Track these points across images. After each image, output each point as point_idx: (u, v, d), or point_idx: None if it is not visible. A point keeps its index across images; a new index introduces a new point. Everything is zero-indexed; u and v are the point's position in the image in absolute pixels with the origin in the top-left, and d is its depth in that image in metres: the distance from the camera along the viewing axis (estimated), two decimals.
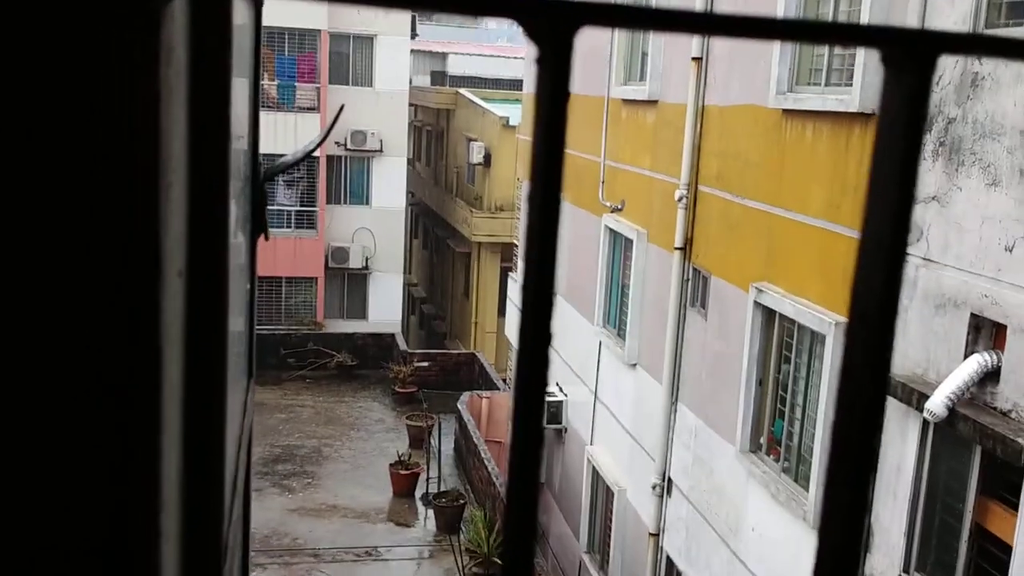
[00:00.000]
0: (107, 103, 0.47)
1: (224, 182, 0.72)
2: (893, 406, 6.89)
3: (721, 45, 9.89)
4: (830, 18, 8.11)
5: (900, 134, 0.41)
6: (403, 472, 17.48)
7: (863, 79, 7.34)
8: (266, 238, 1.53)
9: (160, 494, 0.52)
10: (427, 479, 17.32)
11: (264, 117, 27.76)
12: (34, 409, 0.49)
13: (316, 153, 25.26)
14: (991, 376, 6.04)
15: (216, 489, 0.74)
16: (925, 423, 6.53)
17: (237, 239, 1.18)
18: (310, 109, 25.36)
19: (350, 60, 26.30)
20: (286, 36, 25.24)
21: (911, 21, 6.79)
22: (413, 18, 27.34)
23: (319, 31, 25.32)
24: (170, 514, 0.56)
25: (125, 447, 0.49)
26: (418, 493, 17.53)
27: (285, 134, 24.95)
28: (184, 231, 0.61)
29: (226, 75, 0.71)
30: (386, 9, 0.38)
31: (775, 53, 8.60)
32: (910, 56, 0.41)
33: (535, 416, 0.41)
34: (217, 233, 0.69)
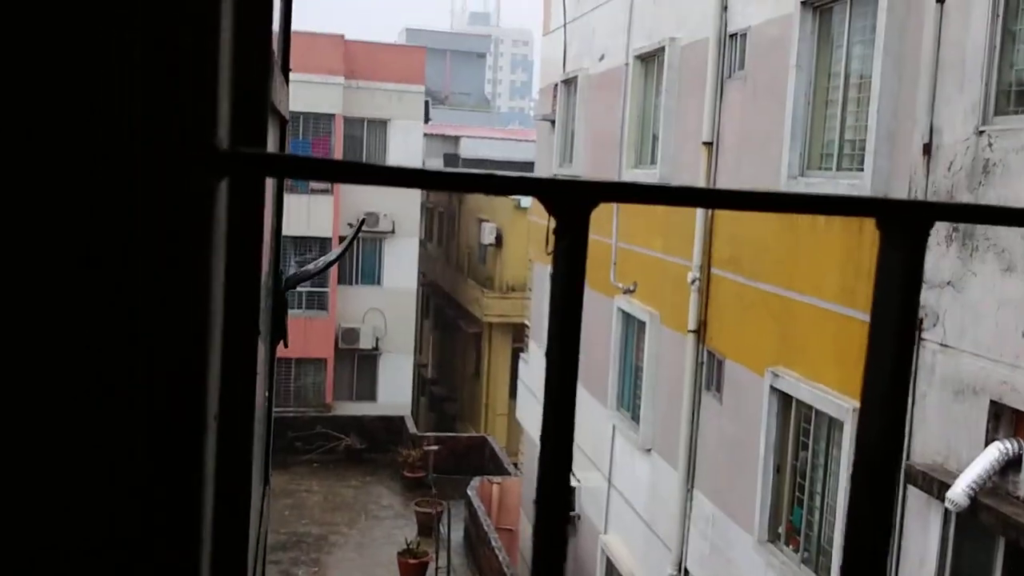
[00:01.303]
0: (163, 272, 0.51)
1: (255, 329, 0.76)
2: (914, 495, 6.73)
3: (732, 130, 10.00)
4: (838, 115, 8.19)
5: (897, 296, 0.43)
6: (411, 561, 17.13)
7: (874, 163, 7.37)
8: (285, 345, 1.51)
9: None
10: (436, 568, 16.97)
11: None
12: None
13: (330, 235, 25.48)
14: (1012, 464, 5.91)
15: None
16: (947, 513, 6.37)
17: (259, 350, 1.19)
18: (323, 191, 25.68)
19: (363, 143, 26.73)
20: (301, 119, 25.71)
21: (920, 114, 6.83)
22: (426, 102, 27.87)
23: (333, 115, 25.80)
24: None
25: None
26: None
27: (298, 216, 25.22)
28: (218, 378, 0.65)
29: (259, 237, 0.76)
30: (426, 190, 0.38)
31: (786, 138, 8.68)
32: (905, 224, 0.43)
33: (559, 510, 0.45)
34: (247, 379, 0.74)
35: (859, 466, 0.46)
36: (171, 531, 0.53)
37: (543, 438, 0.42)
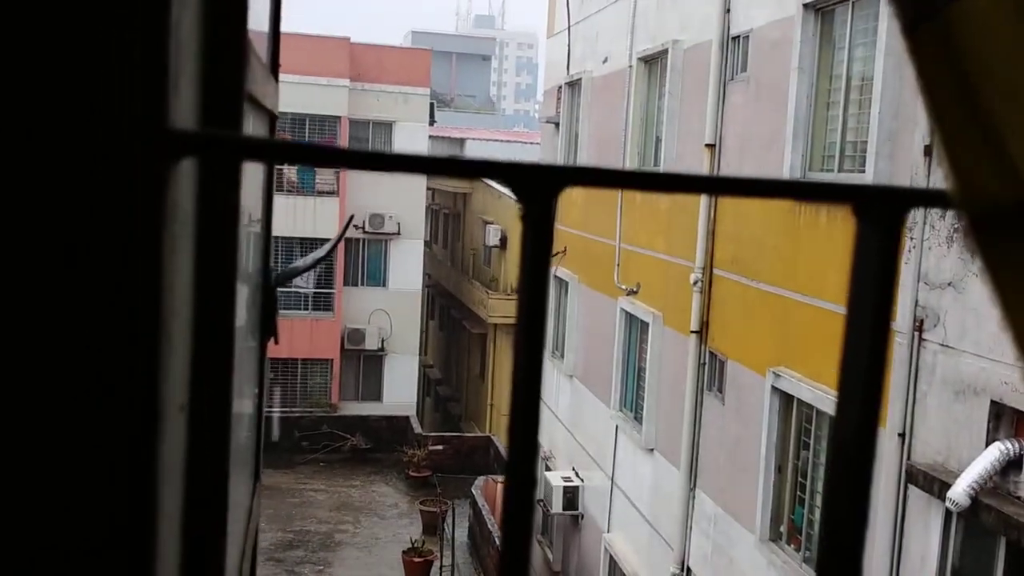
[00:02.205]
0: (109, 258, 0.49)
1: (230, 317, 0.75)
2: (915, 495, 6.76)
3: (734, 132, 10.03)
4: (840, 117, 8.22)
5: (873, 284, 0.43)
6: (416, 560, 17.17)
7: (876, 164, 7.40)
8: (275, 342, 1.54)
9: None
10: (441, 567, 17.00)
11: (284, 201, 27.97)
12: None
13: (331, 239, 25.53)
14: (1013, 464, 5.94)
15: None
16: (948, 513, 6.39)
17: (247, 344, 1.19)
18: (329, 193, 25.73)
19: (369, 145, 26.73)
20: (306, 121, 25.77)
21: (921, 115, 6.86)
22: (431, 105, 27.90)
23: (339, 117, 25.85)
24: None
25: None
26: None
27: (304, 218, 25.28)
28: (188, 367, 0.63)
29: (234, 226, 0.74)
30: (401, 174, 0.40)
31: (788, 139, 8.71)
32: (880, 211, 0.42)
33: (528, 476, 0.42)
34: (221, 372, 0.72)
35: (834, 462, 0.45)
36: (121, 524, 0.50)
37: (510, 424, 0.44)
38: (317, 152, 0.42)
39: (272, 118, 1.42)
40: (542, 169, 0.40)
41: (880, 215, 0.43)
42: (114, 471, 0.50)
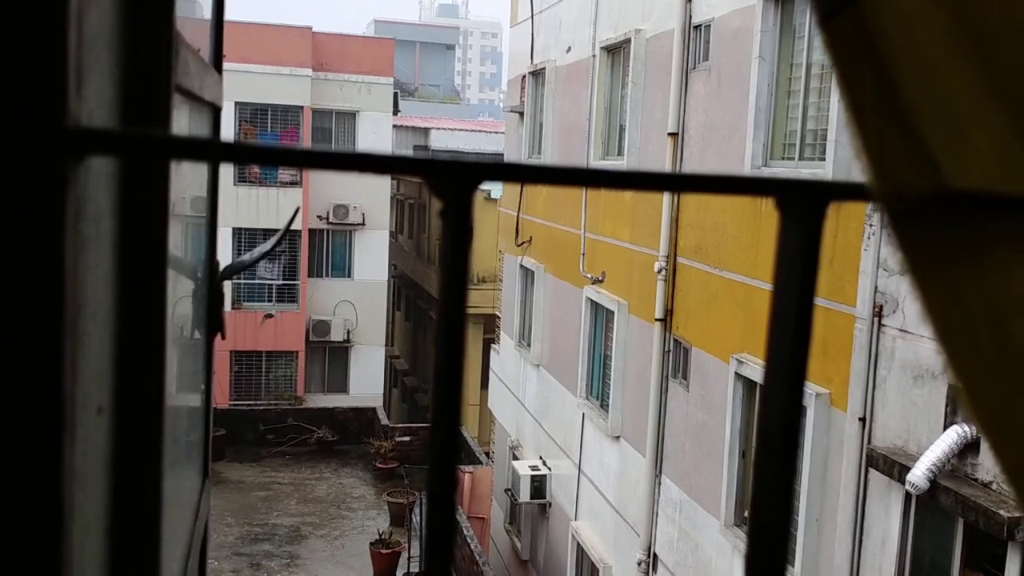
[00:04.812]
0: (6, 259, 0.48)
1: (161, 312, 0.73)
2: (875, 478, 6.86)
3: (696, 121, 10.09)
4: (801, 105, 8.29)
5: (797, 274, 0.44)
6: (384, 551, 17.16)
7: (835, 152, 7.48)
8: (223, 337, 1.53)
9: None
10: (408, 558, 17.00)
11: (247, 192, 27.71)
12: None
13: (298, 227, 25.37)
14: (971, 447, 6.04)
15: None
16: (908, 495, 6.50)
17: (193, 338, 1.17)
18: (292, 183, 25.53)
19: (333, 135, 26.59)
20: (269, 112, 25.53)
21: None
22: (395, 94, 27.76)
23: (302, 107, 25.65)
24: None
25: None
26: (399, 573, 17.18)
27: (267, 208, 25.07)
28: (109, 367, 0.61)
29: (161, 222, 0.73)
30: (314, 170, 0.40)
31: (749, 129, 8.77)
32: (802, 204, 0.44)
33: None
34: (151, 366, 0.70)
35: (760, 445, 0.46)
36: (26, 531, 0.49)
37: (432, 417, 0.44)
38: (226, 149, 0.41)
39: (215, 110, 1.40)
40: (457, 165, 0.40)
41: (802, 208, 0.44)
42: (16, 477, 0.49)
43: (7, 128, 0.46)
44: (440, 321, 0.40)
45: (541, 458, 14.71)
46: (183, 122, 0.93)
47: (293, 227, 25.11)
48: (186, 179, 1.01)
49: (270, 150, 0.39)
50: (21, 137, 0.47)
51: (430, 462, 0.42)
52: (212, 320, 1.47)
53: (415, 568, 16.76)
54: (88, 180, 0.54)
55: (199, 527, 1.29)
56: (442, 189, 0.40)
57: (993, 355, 0.40)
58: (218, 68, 1.46)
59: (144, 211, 0.67)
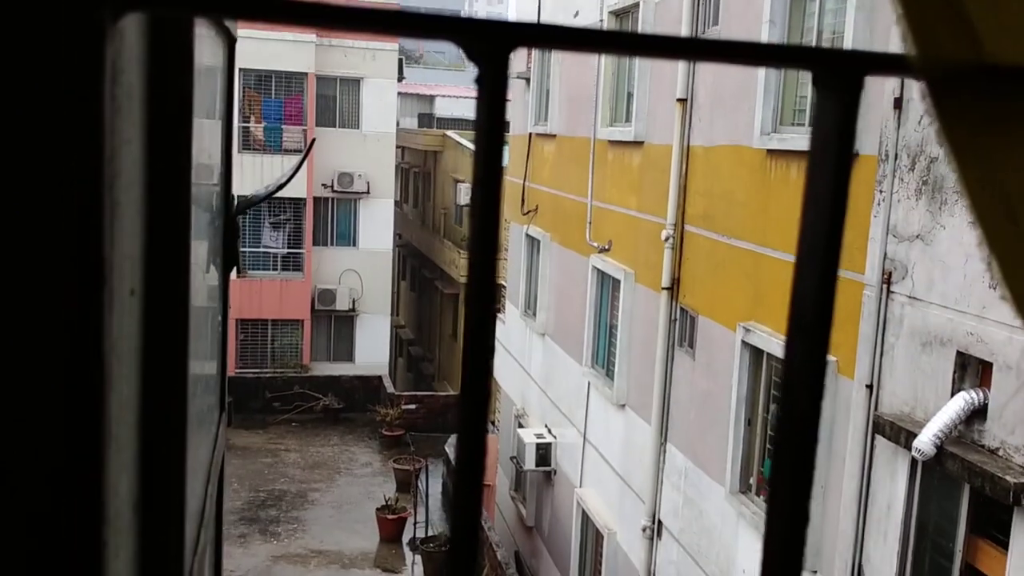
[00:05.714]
0: (46, 116, 0.47)
1: (185, 203, 0.72)
2: (882, 444, 6.87)
3: (705, 87, 10.00)
4: (815, 30, 8.20)
5: (833, 152, 0.42)
6: (390, 517, 17.29)
7: None
8: (239, 273, 1.52)
9: (104, 507, 0.52)
10: (415, 524, 17.13)
11: (251, 159, 27.65)
12: None
13: (304, 195, 25.30)
14: (978, 414, 6.04)
15: (176, 513, 0.73)
16: (914, 462, 6.51)
17: (209, 272, 1.16)
18: (297, 151, 25.44)
19: (337, 103, 26.46)
20: (273, 79, 25.39)
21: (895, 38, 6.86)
22: (400, 61, 27.57)
23: (306, 74, 25.50)
24: (120, 531, 0.56)
25: (68, 460, 0.49)
26: (405, 538, 17.32)
27: (272, 176, 24.98)
28: (139, 251, 0.61)
29: (188, 99, 0.71)
30: (341, 31, 0.38)
31: (759, 95, 8.70)
32: (838, 76, 0.42)
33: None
34: (177, 254, 0.70)
35: (792, 325, 0.44)
36: (70, 382, 0.49)
37: (466, 329, 0.43)
38: (255, 4, 0.39)
39: (231, 41, 1.38)
40: (495, 24, 0.38)
41: (839, 79, 0.42)
42: (60, 335, 0.49)
43: None
44: (475, 187, 0.39)
45: (546, 426, 14.76)
46: (204, 50, 0.91)
47: (297, 195, 25.08)
48: (204, 140, 0.99)
49: (301, 5, 0.38)
50: None
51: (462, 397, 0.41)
52: (228, 254, 1.46)
53: (420, 534, 16.89)
54: (123, 47, 0.53)
55: (216, 458, 1.29)
56: (477, 53, 0.39)
57: None
58: None
59: (172, 86, 0.66)
